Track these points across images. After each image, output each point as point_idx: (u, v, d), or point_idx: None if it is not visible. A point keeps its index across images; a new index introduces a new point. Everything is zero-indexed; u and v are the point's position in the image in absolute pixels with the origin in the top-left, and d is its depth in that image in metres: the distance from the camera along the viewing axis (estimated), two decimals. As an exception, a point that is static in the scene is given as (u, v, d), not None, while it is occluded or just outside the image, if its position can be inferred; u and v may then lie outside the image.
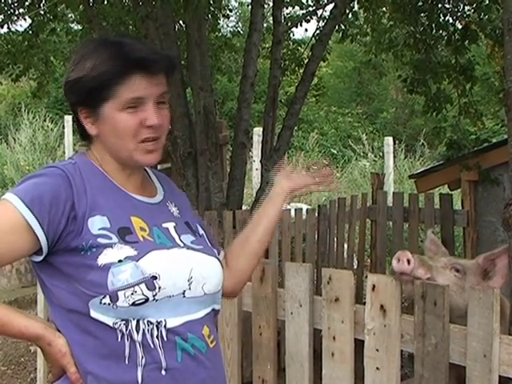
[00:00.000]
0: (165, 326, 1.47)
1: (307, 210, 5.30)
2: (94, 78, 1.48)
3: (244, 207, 6.16)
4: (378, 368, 2.14)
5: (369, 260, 6.34)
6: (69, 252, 1.45)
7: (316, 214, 5.18)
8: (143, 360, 1.45)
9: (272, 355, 2.58)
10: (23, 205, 1.42)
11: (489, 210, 5.18)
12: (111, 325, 1.44)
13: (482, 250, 5.23)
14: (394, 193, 6.29)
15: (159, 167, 5.97)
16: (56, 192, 1.45)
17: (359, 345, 2.22)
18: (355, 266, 5.94)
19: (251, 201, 6.74)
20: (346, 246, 5.72)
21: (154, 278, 1.44)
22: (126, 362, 1.45)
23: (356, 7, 7.22)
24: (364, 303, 2.18)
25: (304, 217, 5.13)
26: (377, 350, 2.13)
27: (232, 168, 5.69)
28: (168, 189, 1.72)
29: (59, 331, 1.48)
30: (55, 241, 1.44)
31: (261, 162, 5.65)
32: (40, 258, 1.47)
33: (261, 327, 2.59)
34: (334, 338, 2.27)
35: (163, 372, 1.47)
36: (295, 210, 5.11)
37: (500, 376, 1.91)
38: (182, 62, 5.81)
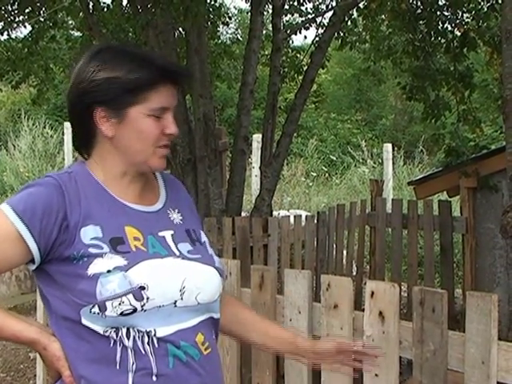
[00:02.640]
0: (155, 335, 1.47)
1: (306, 216, 5.31)
2: (131, 81, 1.51)
3: (243, 214, 6.17)
4: (376, 375, 2.14)
5: (368, 266, 6.34)
6: (62, 261, 1.46)
7: (315, 221, 5.19)
8: (134, 366, 1.45)
9: (271, 362, 2.58)
10: (15, 214, 1.43)
11: (487, 216, 5.19)
12: (102, 332, 1.45)
13: (481, 257, 5.26)
14: (393, 199, 6.30)
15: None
16: (48, 202, 1.46)
17: (358, 351, 2.22)
18: (354, 273, 5.95)
19: (250, 207, 6.73)
20: (345, 252, 5.72)
21: (142, 288, 1.44)
22: (117, 367, 1.45)
23: (355, 14, 7.25)
24: (363, 310, 2.18)
25: (303, 223, 5.15)
26: (375, 357, 2.13)
27: (231, 175, 5.70)
28: (173, 195, 1.71)
29: (54, 335, 1.49)
30: (48, 250, 1.45)
31: (260, 168, 5.66)
32: (33, 267, 1.49)
33: (260, 334, 2.59)
34: (332, 344, 2.27)
35: (154, 378, 1.46)
36: (294, 216, 5.12)
37: (498, 382, 1.91)
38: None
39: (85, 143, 1.60)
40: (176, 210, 1.67)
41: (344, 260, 5.70)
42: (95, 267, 1.44)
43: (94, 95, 1.52)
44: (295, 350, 1.75)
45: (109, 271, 1.44)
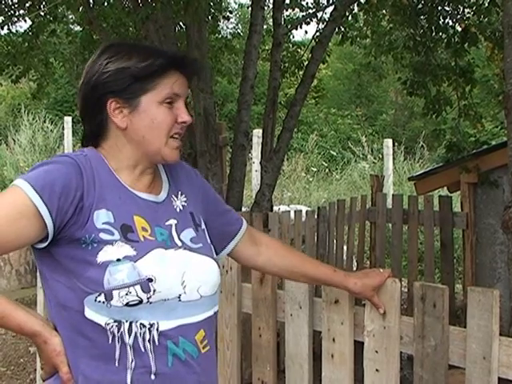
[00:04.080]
0: (157, 329, 1.47)
1: (307, 211, 5.30)
2: (140, 69, 1.53)
3: (244, 209, 6.16)
4: (377, 370, 2.14)
5: (368, 262, 6.34)
6: (71, 242, 1.45)
7: (315, 216, 5.18)
8: (133, 363, 1.46)
9: (271, 357, 2.58)
10: (33, 191, 1.41)
11: (488, 212, 5.19)
12: (103, 325, 1.44)
13: (482, 253, 5.25)
14: (393, 195, 6.30)
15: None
16: (67, 180, 1.45)
17: (359, 347, 2.22)
18: (354, 268, 5.95)
19: (251, 202, 6.73)
20: (345, 247, 5.72)
21: (150, 280, 1.45)
22: (116, 364, 1.46)
23: (356, 9, 7.23)
24: (363, 305, 2.18)
25: (303, 219, 5.14)
26: (376, 352, 2.13)
27: (232, 170, 5.69)
28: (173, 179, 1.71)
29: (56, 330, 1.49)
30: (60, 229, 1.44)
31: (260, 163, 5.65)
32: (43, 245, 1.47)
33: (260, 329, 2.60)
34: (333, 339, 2.27)
35: (152, 376, 1.47)
36: (295, 211, 5.11)
37: (499, 378, 1.91)
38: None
39: (96, 137, 1.60)
40: (179, 193, 1.68)
41: (344, 255, 5.69)
42: (105, 255, 1.44)
43: (105, 86, 1.54)
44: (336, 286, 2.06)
45: (118, 260, 1.44)
